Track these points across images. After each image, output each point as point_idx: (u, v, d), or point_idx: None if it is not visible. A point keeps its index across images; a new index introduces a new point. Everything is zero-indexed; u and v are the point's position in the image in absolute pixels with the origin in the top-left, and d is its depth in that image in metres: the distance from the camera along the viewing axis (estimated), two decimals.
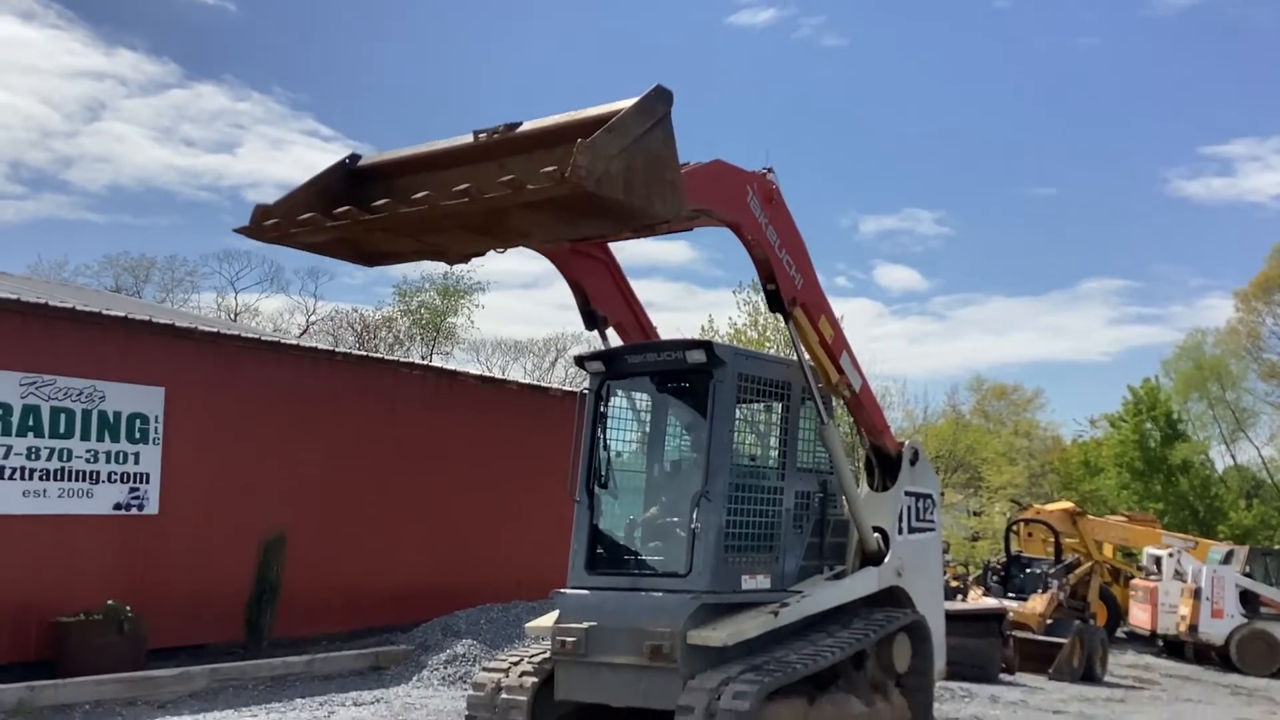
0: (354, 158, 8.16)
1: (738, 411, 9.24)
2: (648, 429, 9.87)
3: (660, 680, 8.17)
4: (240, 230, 7.56)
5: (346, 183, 7.98)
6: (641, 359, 9.38)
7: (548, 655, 8.87)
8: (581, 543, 9.17)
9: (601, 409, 9.53)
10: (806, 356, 9.21)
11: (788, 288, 8.81)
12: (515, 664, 9.02)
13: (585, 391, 9.60)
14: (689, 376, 9.31)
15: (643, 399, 9.83)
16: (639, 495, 9.72)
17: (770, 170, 8.70)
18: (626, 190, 6.60)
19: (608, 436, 9.56)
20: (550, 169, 6.30)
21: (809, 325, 9.10)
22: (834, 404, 9.97)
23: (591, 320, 9.67)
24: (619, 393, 9.71)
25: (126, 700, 10.81)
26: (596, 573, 9.00)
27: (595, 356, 9.62)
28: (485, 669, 9.22)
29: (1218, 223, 78.56)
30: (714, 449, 8.76)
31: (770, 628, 8.60)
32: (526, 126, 7.44)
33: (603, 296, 9.69)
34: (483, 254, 8.18)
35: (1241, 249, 79.57)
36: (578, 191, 6.27)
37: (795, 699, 8.27)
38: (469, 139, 7.61)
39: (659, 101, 6.97)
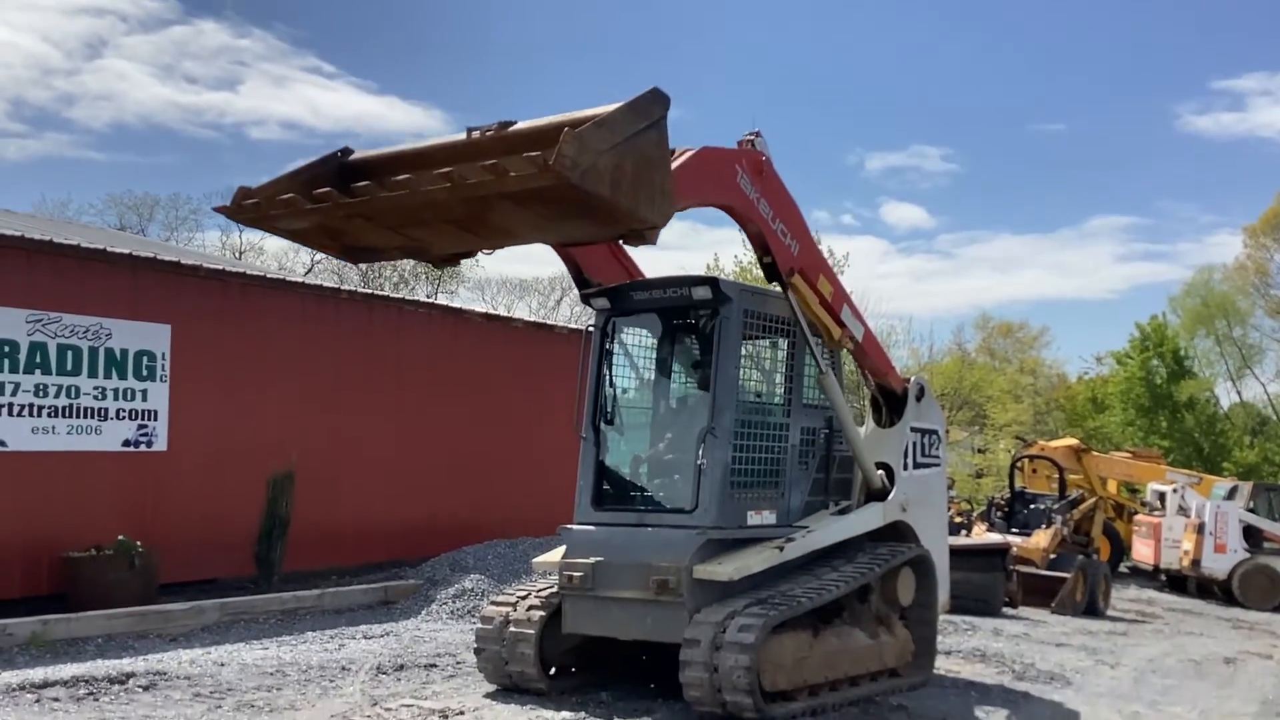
0: (346, 151, 8.08)
1: (743, 348, 9.25)
2: (653, 366, 9.89)
3: (666, 614, 8.26)
4: (219, 209, 7.52)
5: (336, 176, 7.86)
6: (647, 296, 9.37)
7: (555, 590, 8.96)
8: (588, 479, 9.23)
9: (607, 346, 9.54)
10: (805, 321, 9.13)
11: (785, 258, 8.75)
12: (523, 598, 9.12)
13: (591, 329, 9.61)
14: (695, 313, 9.31)
15: (648, 336, 9.84)
16: (645, 432, 9.77)
17: (757, 135, 8.58)
18: (613, 188, 6.45)
19: (613, 373, 9.58)
20: (534, 155, 6.17)
21: (808, 288, 9.06)
22: (840, 354, 9.96)
23: (582, 282, 9.55)
24: (625, 330, 9.71)
25: (138, 633, 10.95)
26: (603, 509, 9.06)
27: (601, 293, 9.61)
28: (493, 603, 9.33)
29: (1228, 159, 78.00)
30: (719, 385, 8.77)
31: (775, 563, 8.68)
32: (520, 125, 7.35)
33: (597, 267, 9.58)
34: (468, 254, 8.11)
35: (1251, 185, 78.92)
36: (561, 182, 6.13)
37: (800, 632, 8.36)
38: (462, 136, 7.54)
39: (655, 104, 6.86)
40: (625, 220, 6.87)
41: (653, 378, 9.88)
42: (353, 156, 8.01)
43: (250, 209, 7.24)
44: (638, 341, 9.81)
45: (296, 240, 7.85)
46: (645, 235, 7.12)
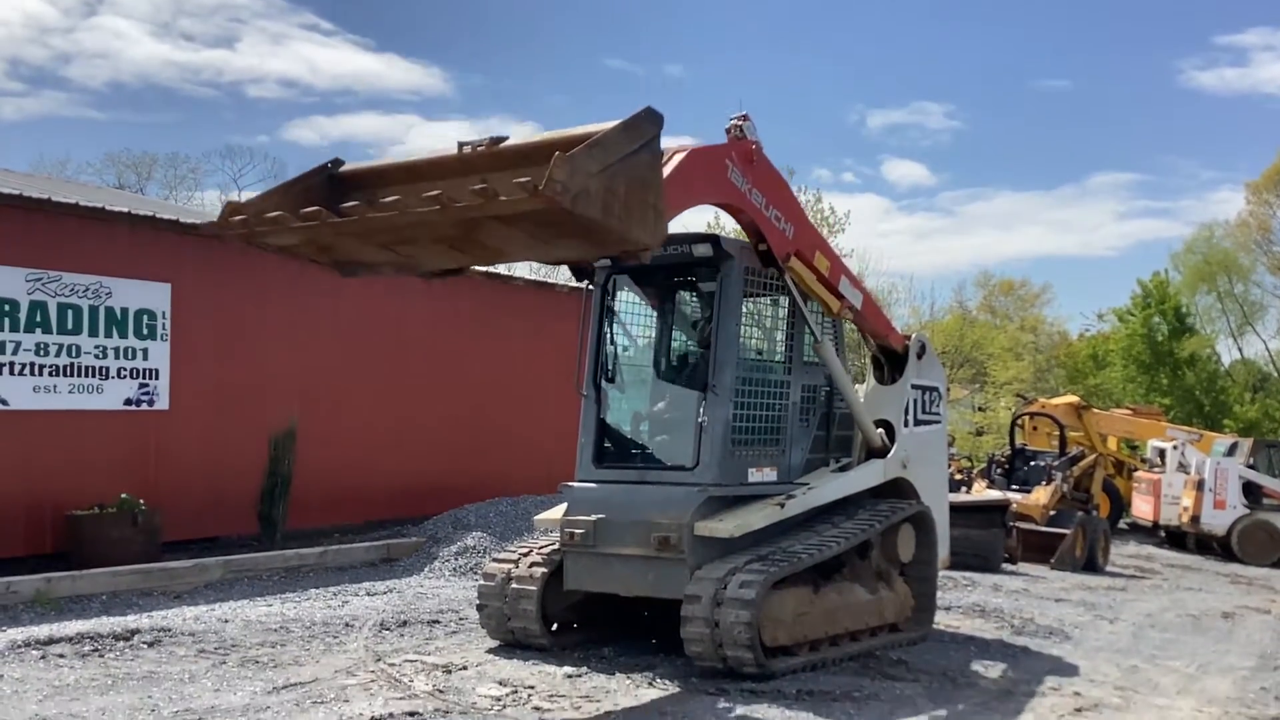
0: (336, 163, 8.03)
1: (744, 305, 9.23)
2: (654, 323, 9.88)
3: (668, 570, 8.30)
4: (207, 226, 7.48)
5: (327, 189, 7.82)
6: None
7: (557, 547, 8.99)
8: (589, 437, 9.24)
9: (608, 303, 9.52)
10: (799, 296, 9.09)
11: (780, 244, 8.67)
12: (525, 555, 9.16)
13: (591, 287, 9.58)
14: (696, 270, 9.28)
15: (649, 294, 9.82)
16: (646, 389, 9.78)
17: (744, 119, 8.41)
18: (604, 211, 6.37)
19: (614, 331, 9.57)
20: (524, 180, 6.09)
21: (805, 267, 9.01)
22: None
23: (580, 273, 9.50)
24: (625, 287, 9.69)
25: (142, 591, 11.01)
26: (604, 466, 9.08)
27: None
28: (495, 560, 9.37)
29: (1231, 114, 77.62)
30: (720, 343, 8.77)
31: (776, 519, 8.71)
32: (512, 142, 7.30)
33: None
34: (458, 272, 8.05)
35: (1254, 141, 78.79)
36: (552, 206, 6.05)
37: (800, 588, 8.41)
38: (453, 151, 7.47)
39: (648, 123, 6.77)
40: (617, 242, 6.82)
41: (654, 335, 9.88)
42: (343, 168, 7.99)
43: (238, 225, 7.19)
44: (639, 299, 9.79)
45: (286, 254, 7.80)
46: (639, 256, 7.08)
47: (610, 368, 9.47)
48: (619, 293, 9.66)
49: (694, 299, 9.65)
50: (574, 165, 6.08)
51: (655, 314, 9.85)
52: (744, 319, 9.18)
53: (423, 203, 6.40)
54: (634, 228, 6.60)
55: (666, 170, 7.28)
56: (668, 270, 9.42)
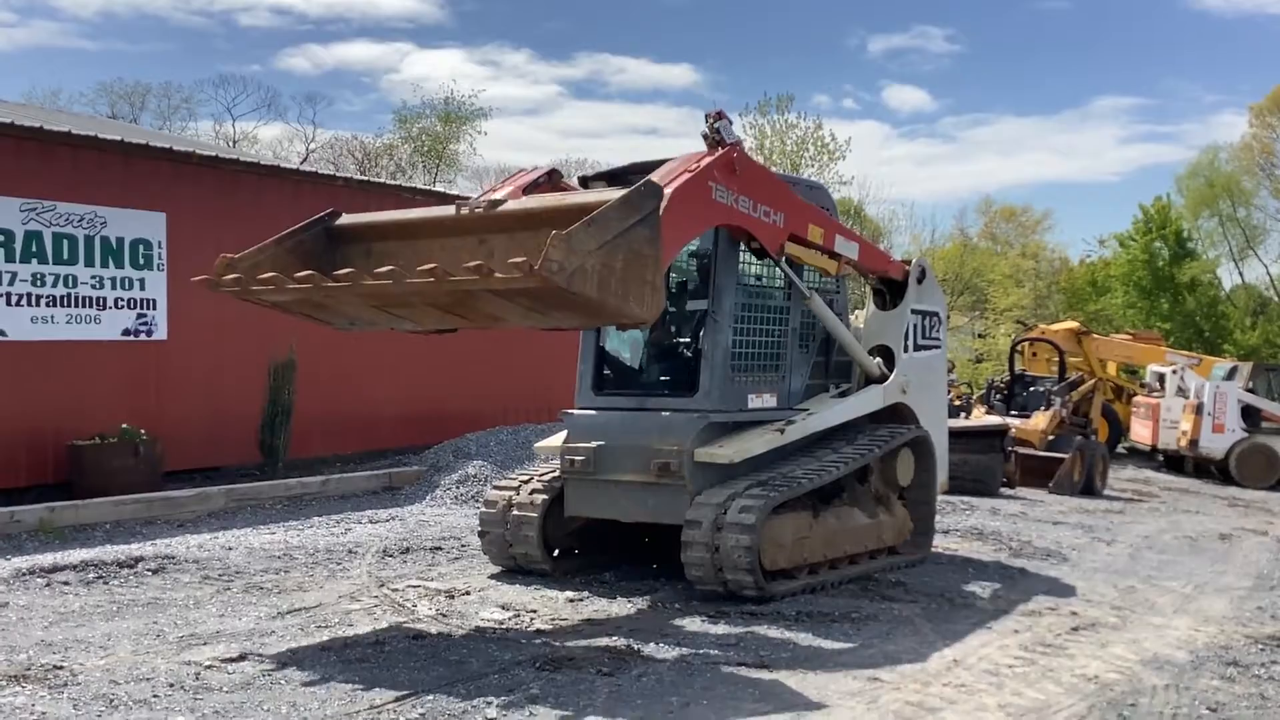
0: (332, 215, 8.05)
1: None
2: None
3: (668, 496, 8.33)
4: (201, 280, 7.50)
5: (322, 242, 7.88)
6: None
7: (557, 474, 9.02)
8: (589, 364, 9.24)
9: None
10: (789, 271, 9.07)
11: (773, 238, 8.55)
12: (526, 482, 9.19)
13: None
14: None
15: None
16: None
17: (719, 117, 8.19)
18: (600, 289, 6.37)
19: None
20: (519, 260, 6.09)
21: (800, 246, 8.94)
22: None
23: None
24: None
25: (145, 520, 11.07)
26: (604, 393, 9.08)
27: (599, 177, 9.49)
28: (496, 487, 9.40)
29: (1234, 36, 76.68)
30: (720, 269, 8.72)
31: (776, 445, 8.73)
32: (509, 206, 7.29)
33: None
34: (455, 330, 8.05)
35: (1259, 64, 77.85)
36: (547, 286, 6.07)
37: (800, 512, 8.45)
38: (450, 210, 7.49)
39: (647, 197, 6.74)
40: (614, 316, 6.85)
41: None
42: (339, 221, 8.02)
43: (231, 283, 7.23)
44: None
45: (279, 310, 7.78)
46: (636, 327, 7.03)
47: None
48: None
49: (706, 118, 9.53)
50: (570, 244, 6.13)
51: None
52: (743, 245, 9.12)
53: (418, 275, 6.44)
54: (630, 303, 6.62)
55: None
56: None
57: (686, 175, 7.64)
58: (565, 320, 7.39)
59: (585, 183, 9.64)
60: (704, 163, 7.82)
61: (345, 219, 8.07)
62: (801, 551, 8.41)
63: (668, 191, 7.33)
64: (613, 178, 9.37)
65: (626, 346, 9.54)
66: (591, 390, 9.14)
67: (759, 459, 8.56)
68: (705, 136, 8.19)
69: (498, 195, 8.27)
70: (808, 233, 8.94)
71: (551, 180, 8.93)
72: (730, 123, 8.24)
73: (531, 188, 8.58)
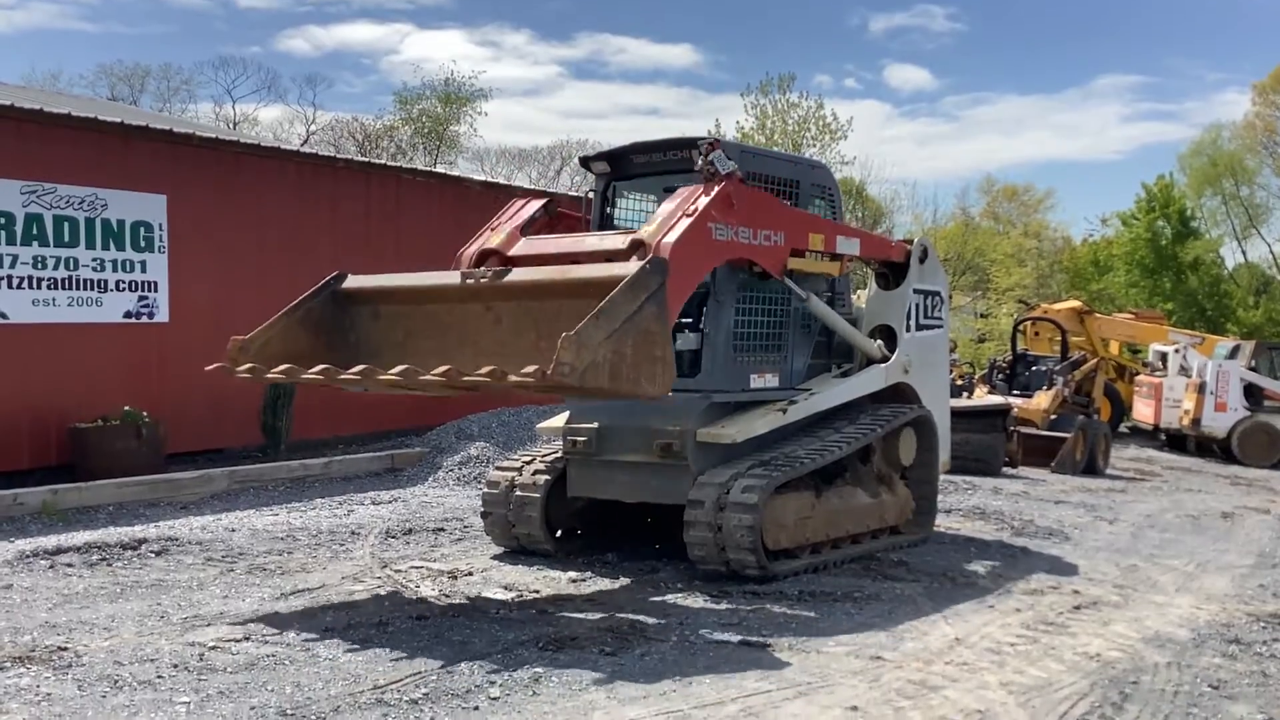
0: (338, 278, 8.22)
1: None
2: None
3: (671, 476, 8.34)
4: (215, 368, 7.71)
5: (330, 306, 8.10)
6: (647, 159, 9.23)
7: (560, 454, 9.02)
8: None
9: (607, 210, 9.44)
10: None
11: (775, 260, 8.60)
12: (528, 463, 9.20)
13: (591, 194, 9.50)
14: (696, 177, 9.16)
15: (649, 201, 9.72)
16: None
17: (714, 147, 8.17)
18: (612, 378, 6.52)
19: None
20: (531, 371, 6.26)
21: (802, 259, 8.97)
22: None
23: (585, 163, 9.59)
24: (625, 194, 9.59)
25: (148, 502, 11.08)
26: None
27: (600, 157, 9.48)
28: (499, 468, 9.40)
29: (1238, 14, 76.31)
30: None
31: (778, 425, 8.73)
32: (515, 277, 7.42)
33: None
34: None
35: (1261, 41, 77.46)
36: (560, 386, 6.27)
37: (803, 492, 8.45)
38: (456, 279, 7.65)
39: (653, 274, 6.82)
40: (624, 397, 6.98)
41: None
42: (345, 285, 8.19)
43: (247, 371, 7.47)
44: (639, 206, 9.70)
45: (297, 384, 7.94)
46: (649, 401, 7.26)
47: None
48: (619, 199, 9.57)
49: (699, 150, 9.52)
50: (580, 342, 6.28)
51: (655, 210, 9.77)
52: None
53: (431, 374, 6.64)
54: (642, 382, 6.76)
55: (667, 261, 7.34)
56: (668, 176, 9.32)
57: (685, 221, 7.68)
58: (578, 400, 7.79)
59: (586, 163, 9.63)
60: (701, 204, 7.83)
61: (352, 281, 8.25)
62: (804, 531, 8.42)
63: (669, 243, 7.43)
64: (613, 158, 9.36)
65: None
66: None
67: (761, 439, 8.57)
68: (699, 171, 8.18)
69: (495, 236, 8.50)
70: (808, 243, 8.99)
71: (548, 211, 9.03)
72: (723, 155, 8.21)
73: (529, 225, 8.71)
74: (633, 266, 6.93)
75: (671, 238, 7.51)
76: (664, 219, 7.76)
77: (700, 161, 8.18)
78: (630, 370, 6.64)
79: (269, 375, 7.36)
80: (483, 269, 7.76)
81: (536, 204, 9.02)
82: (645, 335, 6.73)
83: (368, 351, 8.11)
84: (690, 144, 8.91)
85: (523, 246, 8.48)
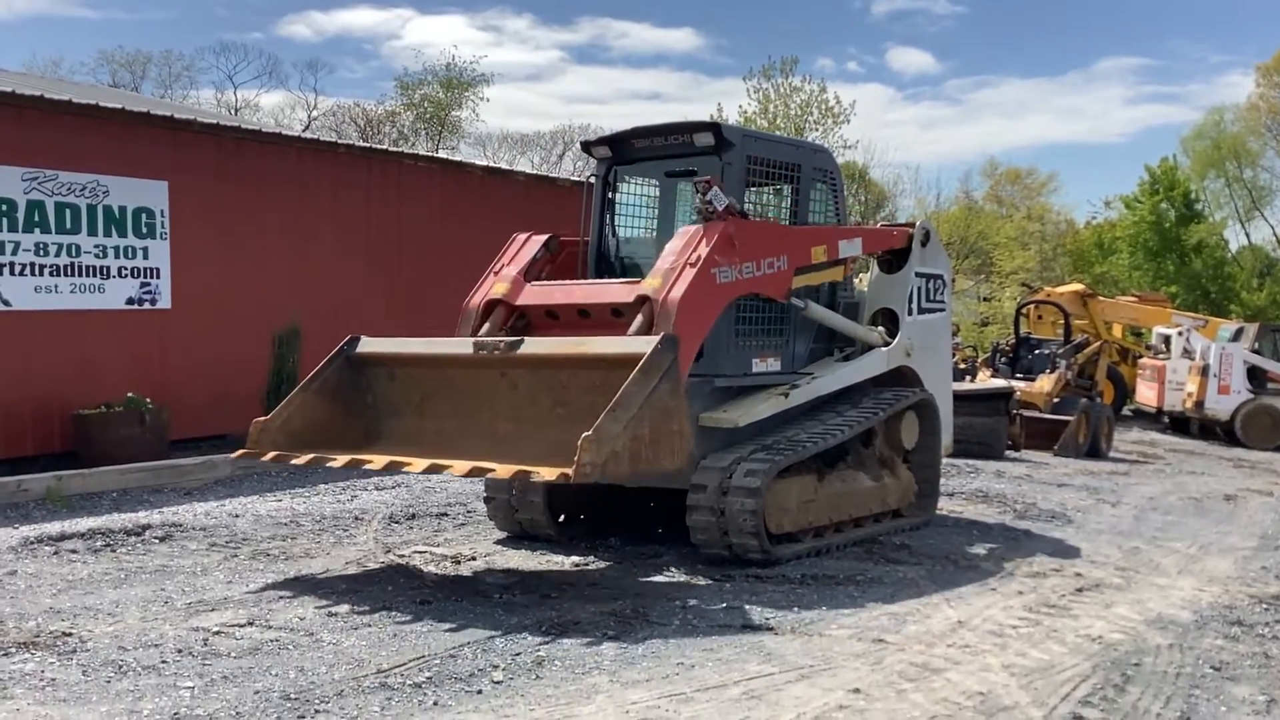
0: (352, 342, 8.40)
1: (747, 195, 9.14)
2: (656, 215, 9.79)
3: None
4: (241, 455, 7.89)
5: (346, 372, 8.29)
6: (649, 144, 9.22)
7: None
8: None
9: (609, 195, 9.43)
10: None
11: (780, 287, 8.76)
12: None
13: (593, 178, 9.49)
14: (697, 161, 9.16)
15: (651, 185, 9.71)
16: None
17: (709, 185, 8.20)
18: (632, 463, 6.72)
19: (615, 224, 9.49)
20: (555, 475, 6.46)
21: (807, 272, 9.08)
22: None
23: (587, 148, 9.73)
24: (627, 179, 9.59)
25: (152, 488, 11.10)
26: None
27: (602, 141, 9.46)
28: (478, 341, 9.32)
29: None
30: None
31: (781, 409, 8.74)
32: (528, 349, 7.51)
33: None
34: None
35: (1264, 23, 77.06)
36: (584, 482, 6.49)
37: (805, 476, 8.46)
38: (469, 350, 7.77)
39: (665, 353, 6.91)
40: (646, 479, 7.15)
41: (656, 228, 9.80)
42: (360, 350, 8.37)
43: (273, 459, 7.66)
44: (640, 190, 9.70)
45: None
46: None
47: (612, 259, 9.42)
48: (620, 184, 9.56)
49: (696, 189, 9.54)
50: (599, 440, 6.44)
51: (657, 205, 9.76)
52: (747, 208, 9.09)
53: (456, 469, 6.86)
54: (662, 461, 6.93)
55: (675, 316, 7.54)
56: (669, 161, 9.31)
57: (689, 273, 7.78)
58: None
59: (587, 148, 9.62)
60: (703, 252, 7.89)
61: (365, 346, 8.40)
62: (806, 515, 8.43)
63: (675, 299, 7.56)
64: (614, 143, 9.35)
65: None
66: None
67: (764, 423, 8.57)
68: (698, 211, 8.24)
69: (500, 284, 8.67)
70: (811, 257, 9.08)
71: (549, 249, 9.09)
72: (720, 192, 8.24)
73: (532, 267, 8.84)
74: (645, 345, 7.00)
75: (677, 293, 7.65)
76: (667, 271, 7.84)
77: (697, 200, 8.24)
78: (649, 451, 6.81)
79: (295, 461, 7.56)
80: (495, 340, 7.82)
81: (538, 242, 9.10)
82: (662, 414, 6.88)
83: (386, 411, 8.35)
84: (691, 128, 8.91)
85: (529, 295, 8.62)
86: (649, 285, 7.82)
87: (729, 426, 8.30)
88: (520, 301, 8.59)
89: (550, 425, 7.45)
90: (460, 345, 7.99)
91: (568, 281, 8.84)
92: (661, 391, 6.83)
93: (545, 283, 8.80)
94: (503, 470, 6.67)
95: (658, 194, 9.77)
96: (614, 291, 8.21)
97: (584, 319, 8.37)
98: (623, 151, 9.34)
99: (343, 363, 8.33)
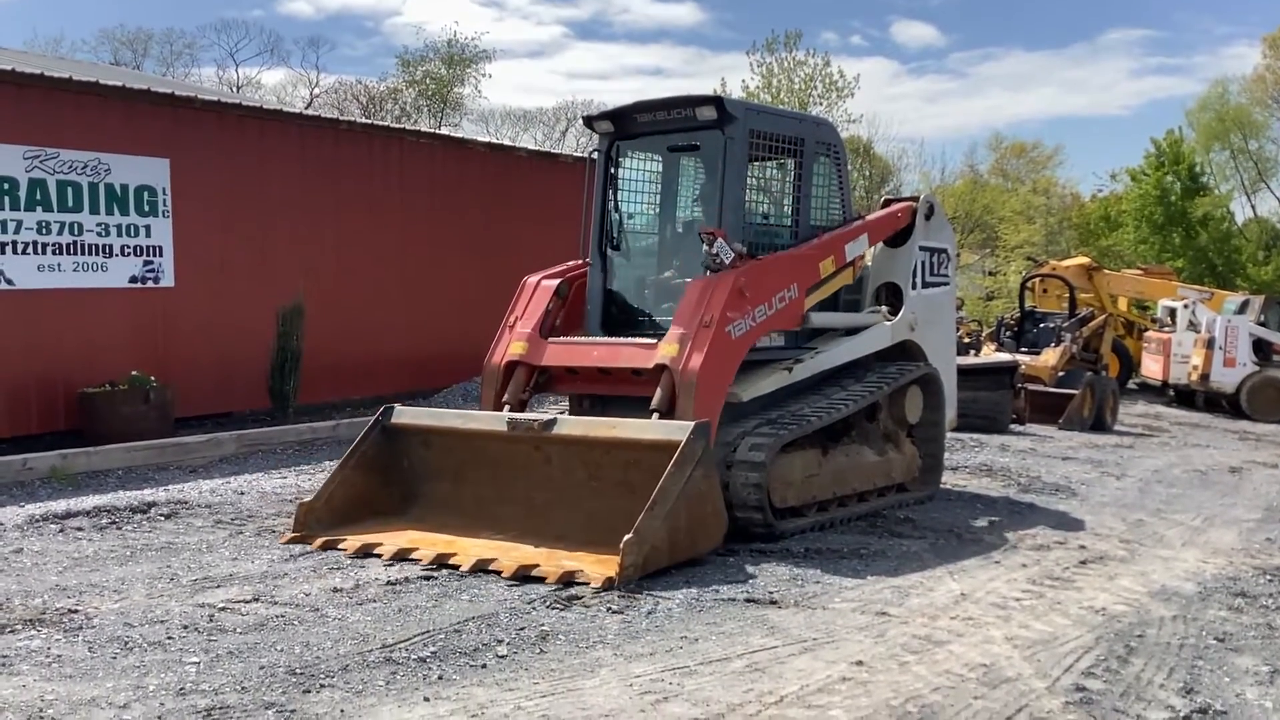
0: (386, 413, 8.50)
1: (750, 170, 9.10)
2: (659, 190, 9.75)
3: None
4: (290, 539, 7.88)
5: (381, 443, 8.41)
6: (651, 118, 9.18)
7: (565, 413, 9.03)
8: (595, 304, 9.22)
9: (612, 171, 9.40)
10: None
11: (791, 319, 8.88)
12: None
13: (595, 153, 9.45)
14: (700, 135, 9.12)
15: (654, 160, 9.67)
16: (652, 256, 9.71)
17: (715, 236, 8.23)
18: (672, 553, 6.94)
19: (619, 199, 9.46)
20: (601, 580, 6.59)
21: (820, 288, 9.17)
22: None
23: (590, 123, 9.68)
24: (630, 154, 9.55)
25: (157, 466, 11.12)
26: (611, 333, 9.06)
27: (604, 116, 9.42)
28: (513, 419, 9.38)
29: None
30: (726, 207, 8.67)
31: (785, 384, 8.74)
32: (560, 430, 7.63)
33: None
34: None
35: None
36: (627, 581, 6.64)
37: (809, 450, 8.46)
38: (503, 428, 7.87)
39: (697, 441, 7.02)
40: (684, 559, 7.16)
41: (659, 203, 9.77)
42: (394, 420, 8.47)
43: (322, 545, 7.68)
44: (643, 165, 9.66)
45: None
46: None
47: (615, 234, 9.40)
48: (623, 159, 9.52)
49: (699, 164, 9.52)
50: (640, 541, 6.69)
51: (660, 180, 9.72)
52: (750, 184, 9.06)
53: (500, 566, 6.96)
54: (699, 542, 7.18)
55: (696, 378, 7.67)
56: (672, 135, 9.27)
57: (705, 337, 7.85)
58: None
59: (590, 123, 9.58)
60: (716, 311, 7.96)
61: (400, 417, 8.52)
62: (810, 489, 8.43)
63: (694, 369, 7.69)
64: (617, 117, 9.31)
65: (633, 286, 9.51)
66: (599, 329, 9.13)
67: (768, 398, 8.57)
68: (706, 267, 8.31)
69: (518, 344, 8.73)
70: (820, 273, 9.14)
71: (559, 295, 9.13)
72: (725, 243, 8.26)
73: (545, 318, 8.91)
74: (678, 433, 7.10)
75: (696, 363, 7.76)
76: (682, 336, 7.89)
77: (704, 252, 8.29)
78: (686, 538, 7.04)
79: (342, 545, 7.63)
80: (529, 419, 7.89)
81: (548, 290, 9.11)
82: (697, 500, 7.06)
83: (424, 475, 8.50)
84: (693, 102, 8.86)
85: (549, 356, 8.67)
86: (666, 353, 7.89)
87: (733, 401, 8.29)
88: (543, 362, 8.70)
89: (586, 496, 7.69)
90: (495, 422, 8.05)
91: (585, 341, 8.88)
92: (696, 479, 7.02)
93: (563, 340, 8.86)
94: (550, 572, 6.80)
95: (660, 170, 9.73)
96: (632, 355, 8.26)
97: (605, 374, 8.48)
98: (625, 126, 9.30)
99: (379, 434, 8.46)
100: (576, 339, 8.93)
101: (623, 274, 9.45)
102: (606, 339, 8.82)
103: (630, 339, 8.58)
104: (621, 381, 8.30)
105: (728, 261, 8.18)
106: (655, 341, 8.10)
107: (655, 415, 7.70)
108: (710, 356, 7.82)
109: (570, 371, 8.69)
